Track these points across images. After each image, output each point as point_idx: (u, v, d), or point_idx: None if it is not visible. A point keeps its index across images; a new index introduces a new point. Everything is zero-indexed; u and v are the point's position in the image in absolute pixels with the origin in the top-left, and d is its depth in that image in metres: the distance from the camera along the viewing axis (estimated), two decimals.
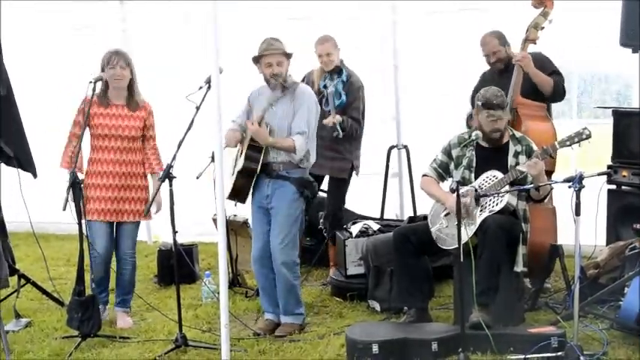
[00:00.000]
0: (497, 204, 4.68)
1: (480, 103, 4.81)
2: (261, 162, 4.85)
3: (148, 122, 5.15)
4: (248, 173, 4.89)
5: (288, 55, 4.94)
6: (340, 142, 5.91)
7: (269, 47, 4.90)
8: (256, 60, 4.95)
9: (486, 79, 5.61)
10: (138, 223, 5.22)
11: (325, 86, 5.89)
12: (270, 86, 4.97)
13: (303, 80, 5.92)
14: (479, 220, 4.67)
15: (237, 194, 4.99)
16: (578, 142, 4.53)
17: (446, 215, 4.83)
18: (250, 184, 4.92)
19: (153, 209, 5.12)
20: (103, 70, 5.03)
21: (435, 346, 4.40)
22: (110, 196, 5.08)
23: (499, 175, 4.73)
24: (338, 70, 5.92)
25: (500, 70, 5.60)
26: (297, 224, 4.98)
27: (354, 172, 6.10)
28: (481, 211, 4.69)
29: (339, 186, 6.09)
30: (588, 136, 4.51)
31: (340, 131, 5.72)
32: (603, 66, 6.84)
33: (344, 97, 5.86)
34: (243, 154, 4.89)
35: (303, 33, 6.24)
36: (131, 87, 5.11)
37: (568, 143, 4.58)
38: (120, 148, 5.08)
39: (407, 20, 6.88)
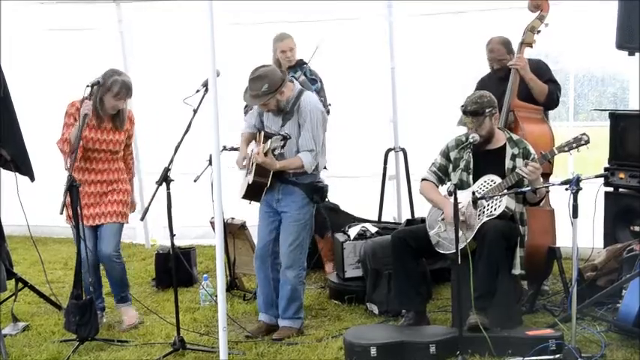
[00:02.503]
0: (495, 208, 4.68)
1: (462, 108, 4.84)
2: (270, 177, 4.85)
3: (130, 132, 5.25)
4: (258, 187, 4.91)
5: (275, 88, 4.76)
6: None
7: (249, 94, 4.82)
8: None
9: (484, 84, 5.61)
10: (119, 225, 5.19)
11: (294, 77, 5.89)
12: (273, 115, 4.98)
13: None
14: (477, 225, 4.67)
15: (251, 198, 5.03)
16: (577, 147, 4.53)
17: (443, 219, 4.83)
18: (262, 192, 4.95)
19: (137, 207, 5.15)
20: (105, 89, 4.97)
21: (433, 348, 4.40)
22: (90, 203, 5.11)
23: (497, 179, 4.73)
24: (300, 64, 6.03)
25: (500, 76, 5.60)
26: (305, 229, 4.99)
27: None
28: (479, 215, 4.70)
29: None
30: (587, 142, 4.51)
31: (327, 107, 5.86)
32: (599, 69, 6.86)
33: (318, 84, 5.98)
34: (253, 169, 4.88)
35: (300, 35, 6.24)
36: (120, 111, 5.14)
37: (566, 149, 4.58)
38: (103, 159, 5.14)
39: (404, 22, 6.88)
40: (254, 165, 4.89)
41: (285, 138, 4.69)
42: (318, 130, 4.90)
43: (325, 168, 6.07)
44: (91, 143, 5.08)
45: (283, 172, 4.90)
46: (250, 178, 4.92)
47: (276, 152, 4.76)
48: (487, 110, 4.77)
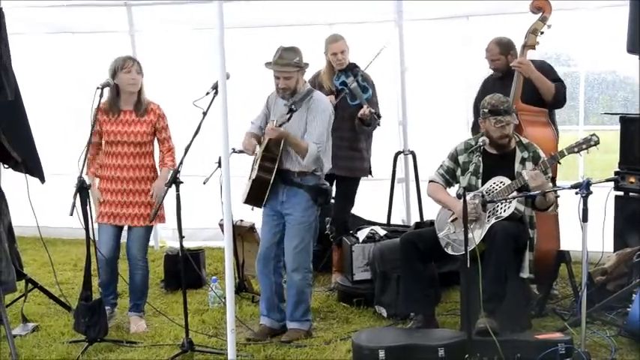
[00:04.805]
0: (505, 210, 4.67)
1: (486, 110, 4.81)
2: (274, 173, 4.84)
3: (159, 125, 5.16)
4: (262, 183, 4.89)
5: (301, 66, 4.88)
6: (359, 142, 5.94)
7: (276, 61, 4.85)
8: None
9: (487, 87, 5.62)
10: (148, 228, 5.22)
11: (344, 83, 5.89)
12: (279, 96, 4.97)
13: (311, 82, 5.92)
14: (487, 226, 4.66)
15: (254, 200, 5.00)
16: (587, 148, 4.53)
17: (453, 221, 4.83)
18: (265, 191, 4.91)
19: (155, 192, 5.11)
20: (114, 75, 5.04)
21: (441, 352, 4.38)
22: (119, 201, 5.12)
23: (506, 181, 4.72)
24: (352, 67, 5.94)
25: (500, 77, 5.60)
26: (310, 231, 4.98)
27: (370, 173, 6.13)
28: (489, 217, 4.69)
29: (353, 187, 6.08)
30: (596, 143, 4.51)
31: (378, 119, 5.76)
32: (610, 72, 6.84)
33: (370, 91, 5.91)
34: (258, 163, 4.89)
35: (310, 39, 6.25)
36: (140, 93, 5.14)
37: (576, 150, 4.58)
38: (129, 153, 5.12)
39: (414, 25, 6.89)
40: (258, 163, 4.87)
41: (291, 110, 4.68)
42: (326, 129, 4.91)
43: (371, 174, 6.09)
44: (112, 136, 5.09)
45: (287, 173, 4.88)
46: (254, 174, 4.89)
47: (283, 126, 4.74)
48: (512, 107, 4.81)
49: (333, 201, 6.02)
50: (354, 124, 5.86)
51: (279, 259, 5.07)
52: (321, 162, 4.92)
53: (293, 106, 4.72)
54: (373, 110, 5.75)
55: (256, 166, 4.90)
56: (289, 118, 4.72)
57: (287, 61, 4.83)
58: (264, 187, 4.90)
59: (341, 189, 6.04)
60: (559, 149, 4.82)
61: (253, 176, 4.91)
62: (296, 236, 4.93)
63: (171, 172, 5.06)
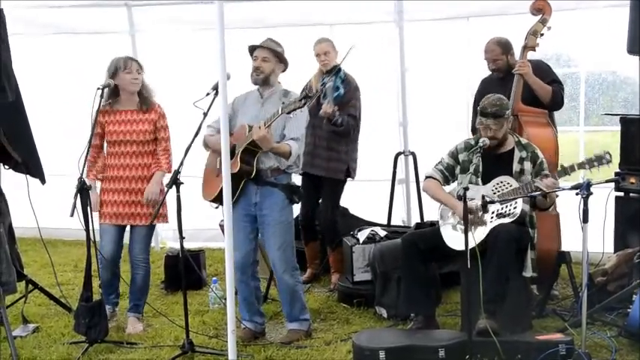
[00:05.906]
0: (509, 213, 4.64)
1: (478, 109, 4.84)
2: (255, 166, 4.80)
3: (159, 124, 5.16)
4: (241, 176, 4.82)
5: (280, 58, 4.91)
6: (337, 143, 5.93)
7: (261, 43, 4.92)
8: (251, 53, 4.97)
9: (486, 85, 5.63)
10: (150, 227, 5.22)
11: (324, 83, 5.91)
12: (252, 80, 4.95)
13: (304, 89, 5.92)
14: (490, 227, 4.64)
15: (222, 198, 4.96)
16: (598, 166, 4.48)
17: (454, 213, 4.82)
18: (237, 188, 4.84)
19: (148, 196, 5.09)
20: (114, 75, 5.06)
21: (442, 352, 4.38)
22: (122, 200, 5.13)
23: (513, 182, 4.70)
24: (337, 70, 5.96)
25: (501, 77, 5.60)
26: (290, 230, 4.96)
27: (349, 176, 6.10)
28: (492, 218, 4.67)
29: (334, 188, 6.07)
30: (609, 162, 4.44)
31: (338, 117, 5.75)
32: (611, 73, 6.85)
33: (342, 91, 5.89)
34: (238, 157, 4.81)
35: (311, 39, 6.25)
36: (142, 91, 5.16)
37: (587, 167, 4.49)
38: (131, 152, 5.13)
39: (414, 26, 6.89)
40: (239, 154, 4.78)
41: (307, 97, 4.60)
42: (302, 124, 4.90)
43: (351, 177, 6.07)
44: (115, 136, 5.10)
45: (260, 172, 4.82)
46: (235, 168, 4.77)
47: (292, 115, 4.67)
48: (506, 113, 4.80)
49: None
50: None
51: (257, 263, 5.07)
52: (299, 159, 4.92)
53: (309, 93, 4.70)
54: (336, 109, 5.73)
55: (237, 157, 4.79)
56: (304, 104, 4.60)
57: (272, 44, 4.91)
58: (239, 182, 4.81)
59: (325, 190, 6.05)
60: (569, 162, 4.71)
61: (235, 169, 4.77)
62: (277, 236, 4.90)
63: (164, 174, 5.11)
